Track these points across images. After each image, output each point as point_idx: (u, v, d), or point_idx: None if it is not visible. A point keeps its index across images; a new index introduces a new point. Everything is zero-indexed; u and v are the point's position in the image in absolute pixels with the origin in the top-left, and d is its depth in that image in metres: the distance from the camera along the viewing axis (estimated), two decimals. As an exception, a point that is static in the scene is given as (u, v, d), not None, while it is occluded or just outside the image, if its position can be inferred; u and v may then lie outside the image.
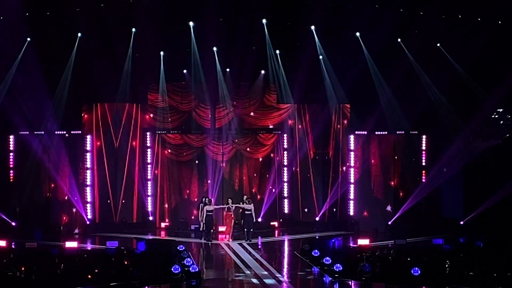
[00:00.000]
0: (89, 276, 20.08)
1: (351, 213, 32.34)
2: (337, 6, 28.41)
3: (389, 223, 31.45)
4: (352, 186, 32.39)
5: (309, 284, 21.65)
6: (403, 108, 30.85)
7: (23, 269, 20.15)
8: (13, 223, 30.61)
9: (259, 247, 28.38)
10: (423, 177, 31.83)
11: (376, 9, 28.46)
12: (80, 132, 31.75)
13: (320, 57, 31.29)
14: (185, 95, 32.76)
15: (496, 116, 31.23)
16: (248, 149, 33.55)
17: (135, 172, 32.93)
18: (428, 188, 31.45)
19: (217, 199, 31.73)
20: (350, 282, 20.81)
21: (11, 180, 31.22)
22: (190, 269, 21.13)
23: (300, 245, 26.33)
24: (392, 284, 20.35)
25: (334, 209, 32.85)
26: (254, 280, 21.33)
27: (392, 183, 31.87)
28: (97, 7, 28.30)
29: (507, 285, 19.29)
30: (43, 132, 30.86)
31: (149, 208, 33.22)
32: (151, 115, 33.00)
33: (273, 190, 33.58)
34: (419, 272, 20.10)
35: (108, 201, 32.35)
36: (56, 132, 31.01)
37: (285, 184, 33.85)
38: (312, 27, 30.25)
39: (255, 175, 33.69)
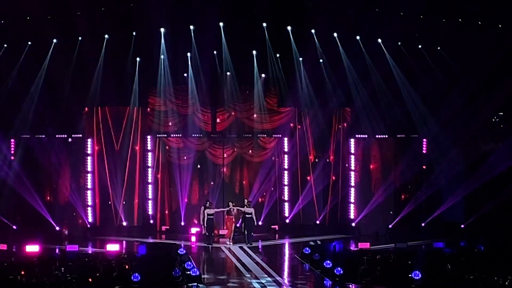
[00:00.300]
0: (90, 280, 20.08)
1: (352, 216, 32.34)
2: (337, 10, 28.42)
3: (390, 226, 31.45)
4: (352, 189, 32.41)
5: (310, 287, 21.66)
6: (403, 111, 30.87)
7: (23, 272, 20.13)
8: (14, 227, 30.58)
9: (260, 250, 28.37)
10: (424, 181, 31.85)
11: (377, 13, 28.49)
12: (81, 135, 31.75)
13: (321, 60, 31.31)
14: (185, 98, 32.75)
15: (497, 120, 31.27)
16: (249, 152, 33.54)
17: (135, 176, 32.93)
18: (429, 191, 31.49)
19: (218, 202, 31.71)
20: (350, 286, 20.82)
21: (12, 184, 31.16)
22: (191, 272, 21.16)
23: (301, 248, 26.31)
24: (393, 288, 20.39)
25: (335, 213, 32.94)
26: (255, 284, 21.33)
27: (393, 186, 31.86)
28: (97, 11, 28.32)
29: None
30: (44, 136, 30.86)
31: (150, 212, 33.20)
32: (152, 119, 32.98)
33: (274, 193, 33.57)
34: (419, 275, 20.10)
35: (109, 203, 32.35)
36: (57, 136, 31.01)
37: (286, 187, 33.84)
38: (313, 31, 30.27)
39: (255, 178, 33.66)
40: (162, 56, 31.40)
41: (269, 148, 33.60)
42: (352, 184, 32.40)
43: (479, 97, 30.01)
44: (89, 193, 31.88)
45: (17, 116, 30.16)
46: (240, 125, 33.17)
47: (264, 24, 29.82)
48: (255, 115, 33.16)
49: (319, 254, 23.95)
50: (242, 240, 29.48)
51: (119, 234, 31.37)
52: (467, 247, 25.26)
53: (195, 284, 20.83)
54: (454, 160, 30.95)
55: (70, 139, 31.29)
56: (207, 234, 29.32)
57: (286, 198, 33.83)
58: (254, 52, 31.32)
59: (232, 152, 33.32)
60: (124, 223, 32.50)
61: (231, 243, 29.26)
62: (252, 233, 29.38)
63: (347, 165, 32.66)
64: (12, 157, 30.86)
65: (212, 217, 29.31)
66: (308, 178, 33.53)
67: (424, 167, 32.00)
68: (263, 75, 32.46)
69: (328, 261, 22.28)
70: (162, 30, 29.98)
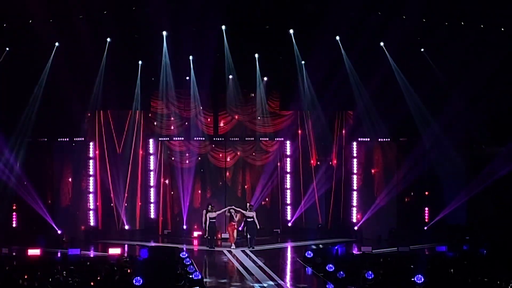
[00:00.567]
0: (92, 284, 20.05)
1: (354, 220, 32.31)
2: (339, 12, 28.40)
3: (392, 230, 31.40)
4: (355, 193, 32.38)
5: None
6: (405, 114, 30.84)
7: (26, 276, 20.12)
8: (16, 230, 30.59)
9: (261, 259, 28.32)
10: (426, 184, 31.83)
11: (379, 16, 28.46)
12: (83, 139, 31.76)
13: (323, 63, 31.24)
14: (187, 101, 32.74)
15: (499, 122, 31.19)
16: (251, 155, 33.53)
17: (138, 179, 32.93)
18: (432, 194, 31.49)
19: (220, 206, 31.65)
20: (353, 290, 20.81)
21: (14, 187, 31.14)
22: (193, 276, 21.13)
23: (303, 252, 26.27)
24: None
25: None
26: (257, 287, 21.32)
27: (395, 190, 31.82)
28: (100, 13, 28.31)
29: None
30: (46, 139, 30.86)
31: (152, 215, 33.19)
32: (154, 122, 32.97)
33: (276, 197, 33.56)
34: (422, 279, 20.05)
35: (111, 207, 32.34)
36: (59, 139, 31.01)
37: (288, 191, 33.82)
38: (315, 34, 30.22)
39: (258, 182, 33.63)
40: (164, 59, 31.37)
41: (271, 152, 33.60)
42: (355, 187, 32.39)
43: (481, 100, 29.95)
44: (91, 196, 31.88)
45: (19, 120, 30.10)
46: (243, 129, 33.21)
47: (267, 27, 29.79)
48: (257, 119, 33.15)
49: (321, 258, 23.92)
50: (245, 244, 29.43)
51: (121, 238, 31.37)
52: (470, 251, 25.22)
53: (197, 287, 20.81)
54: (457, 163, 30.88)
55: (73, 144, 31.28)
56: (209, 237, 29.31)
57: (288, 201, 33.80)
58: (256, 55, 31.30)
59: (235, 156, 33.33)
60: (126, 227, 32.52)
61: (234, 247, 29.22)
62: (255, 237, 29.34)
63: (349, 168, 32.64)
64: (14, 161, 30.81)
65: (214, 220, 29.31)
66: (311, 181, 33.49)
67: (425, 170, 31.90)
68: (265, 78, 32.45)
69: (331, 265, 22.25)
70: (164, 33, 29.95)
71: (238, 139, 33.16)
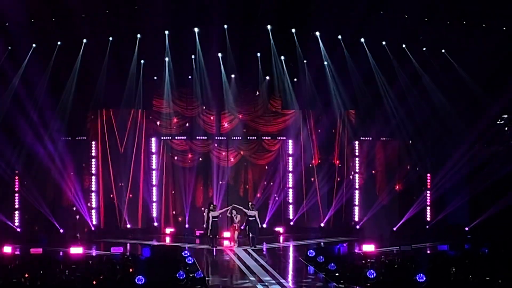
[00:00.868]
0: (94, 282, 20.08)
1: (356, 219, 32.33)
2: (341, 13, 28.42)
3: (394, 229, 31.42)
4: (357, 192, 32.41)
5: (314, 290, 21.68)
6: (408, 114, 30.86)
7: (28, 275, 20.14)
8: (18, 229, 30.60)
9: (264, 253, 28.36)
10: (428, 183, 31.80)
11: (380, 15, 28.48)
12: (85, 138, 31.80)
13: (325, 63, 31.30)
14: (190, 101, 32.77)
15: (501, 122, 31.21)
16: (253, 154, 33.54)
17: (140, 178, 32.96)
18: (433, 194, 31.48)
19: (222, 205, 31.71)
20: (355, 289, 20.83)
21: (17, 187, 31.14)
22: (195, 275, 21.15)
23: (305, 251, 26.27)
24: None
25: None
26: (259, 287, 21.31)
27: (397, 188, 31.83)
28: (102, 13, 28.34)
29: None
30: (48, 138, 30.89)
31: (154, 214, 33.21)
32: (156, 121, 33.00)
33: (278, 196, 33.56)
34: (424, 278, 20.06)
35: (113, 206, 32.38)
36: (61, 138, 31.04)
37: (290, 190, 33.83)
38: (317, 33, 30.26)
39: (260, 181, 33.66)
40: (166, 59, 31.39)
41: (273, 151, 33.61)
42: (357, 186, 32.41)
43: (483, 100, 29.96)
44: (93, 195, 31.92)
45: (22, 119, 30.12)
46: (245, 128, 33.20)
47: (269, 27, 29.80)
48: (259, 118, 33.16)
49: (323, 257, 23.93)
50: (247, 243, 29.45)
51: (123, 237, 31.40)
52: (471, 250, 25.21)
53: (199, 286, 20.83)
54: (459, 163, 30.88)
55: (72, 141, 31.33)
56: (211, 236, 29.32)
57: (290, 200, 33.81)
58: (258, 54, 31.33)
59: (237, 155, 33.35)
60: (128, 226, 32.55)
61: (236, 245, 29.23)
62: (257, 236, 29.35)
63: (351, 167, 32.65)
64: (17, 160, 30.85)
65: (216, 219, 29.31)
66: (312, 179, 33.53)
67: (428, 169, 31.90)
68: (267, 78, 32.46)
69: (333, 264, 22.27)
70: (166, 32, 29.99)
71: (240, 138, 33.18)
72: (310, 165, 33.62)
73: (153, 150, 33.23)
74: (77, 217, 31.40)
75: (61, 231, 30.83)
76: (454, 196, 30.97)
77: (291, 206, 33.82)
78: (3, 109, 29.68)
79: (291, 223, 33.67)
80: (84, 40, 29.95)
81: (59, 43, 29.74)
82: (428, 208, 31.76)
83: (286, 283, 21.99)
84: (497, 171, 29.73)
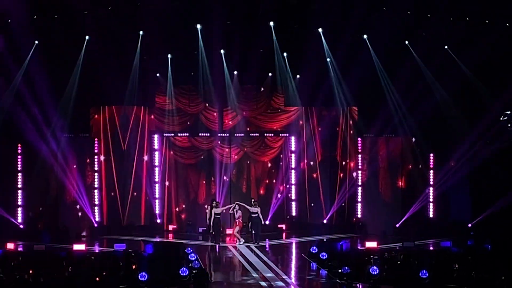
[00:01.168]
0: (97, 279, 20.11)
1: (359, 215, 32.33)
2: (344, 9, 28.39)
3: (397, 225, 31.41)
4: (359, 188, 32.39)
5: (316, 287, 21.63)
6: (410, 111, 30.83)
7: (31, 272, 20.18)
8: (21, 226, 30.63)
9: (267, 249, 28.37)
10: (431, 180, 31.79)
11: (383, 12, 28.46)
12: (88, 135, 31.82)
13: (328, 59, 31.28)
14: (192, 97, 32.78)
15: (504, 119, 31.17)
16: (256, 151, 33.55)
17: (142, 175, 32.99)
18: (436, 190, 31.49)
19: (225, 201, 31.71)
20: (358, 285, 20.80)
21: (20, 184, 31.12)
22: (198, 271, 21.17)
23: (308, 247, 26.28)
24: (400, 287, 20.32)
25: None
26: (262, 283, 21.32)
27: (400, 185, 31.82)
28: (104, 9, 28.34)
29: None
30: (51, 135, 30.89)
31: (157, 211, 33.23)
32: (159, 118, 33.00)
33: (281, 192, 33.58)
34: (427, 274, 20.07)
35: (116, 202, 32.41)
36: (64, 135, 31.05)
37: (293, 186, 33.84)
38: (320, 30, 30.23)
39: (262, 177, 33.67)
40: (169, 55, 31.38)
41: (276, 147, 33.63)
42: (359, 183, 32.40)
43: (486, 96, 29.93)
44: (96, 192, 31.95)
45: (25, 115, 30.12)
46: (247, 124, 33.21)
47: (271, 23, 29.78)
48: (262, 114, 33.16)
49: (326, 253, 23.94)
50: (249, 240, 29.46)
51: (126, 233, 31.41)
52: (474, 246, 25.20)
53: (202, 283, 20.84)
54: (461, 160, 30.87)
55: (75, 138, 31.35)
56: (213, 233, 29.33)
57: (293, 197, 33.83)
58: (261, 51, 31.31)
59: (239, 151, 33.35)
60: (131, 222, 32.53)
61: (242, 242, 29.20)
62: (259, 232, 29.36)
63: (354, 164, 32.65)
64: (20, 156, 30.87)
65: (219, 216, 29.31)
66: (314, 175, 33.54)
67: (431, 166, 31.88)
68: (270, 74, 32.45)
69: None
70: (169, 29, 29.97)
71: (243, 135, 33.18)
72: (313, 162, 33.63)
73: (156, 147, 33.26)
74: (79, 214, 31.38)
75: (64, 227, 30.80)
76: (457, 192, 30.94)
77: (293, 203, 33.84)
78: (5, 106, 29.65)
79: (294, 219, 33.69)
80: (87, 37, 29.93)
81: (61, 39, 29.71)
82: (431, 204, 31.72)
83: (288, 279, 22.01)
84: (500, 168, 29.71)
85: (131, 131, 32.62)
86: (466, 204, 31.00)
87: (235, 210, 29.83)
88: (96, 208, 31.89)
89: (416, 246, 25.82)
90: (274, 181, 33.63)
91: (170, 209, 33.47)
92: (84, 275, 20.21)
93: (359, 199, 32.39)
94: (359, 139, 32.42)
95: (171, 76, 31.90)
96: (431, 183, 31.77)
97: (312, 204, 33.51)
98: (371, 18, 28.71)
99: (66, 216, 31.12)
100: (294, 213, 33.79)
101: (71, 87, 30.47)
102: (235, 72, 31.87)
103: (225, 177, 33.09)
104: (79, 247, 24.86)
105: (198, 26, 29.92)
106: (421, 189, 31.74)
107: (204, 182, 33.35)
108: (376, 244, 25.87)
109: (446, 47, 30.38)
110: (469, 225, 30.66)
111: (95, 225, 31.71)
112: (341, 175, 33.10)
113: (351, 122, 32.90)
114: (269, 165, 33.78)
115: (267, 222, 32.02)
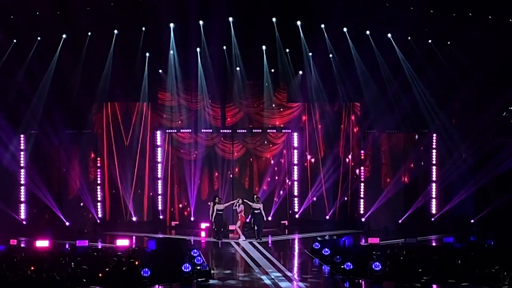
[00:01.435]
0: (100, 275, 20.12)
1: (361, 211, 32.32)
2: (348, 5, 28.36)
3: (400, 221, 31.40)
4: (362, 184, 32.38)
5: (319, 282, 21.62)
6: (412, 107, 30.83)
7: (34, 268, 20.19)
8: (24, 222, 30.66)
9: (269, 245, 28.38)
10: (434, 176, 31.79)
11: (386, 8, 28.42)
12: (90, 131, 31.83)
13: (330, 55, 31.25)
14: (195, 93, 32.75)
15: (507, 115, 31.15)
16: (258, 147, 33.53)
17: (145, 171, 33.00)
18: (439, 186, 31.50)
19: (227, 198, 31.72)
20: (360, 281, 20.80)
21: (23, 180, 31.13)
22: (200, 267, 21.18)
23: (311, 243, 26.28)
24: (403, 283, 20.30)
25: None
26: (265, 279, 21.33)
27: (403, 181, 31.80)
28: (107, 6, 28.33)
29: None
30: (53, 131, 30.90)
31: (160, 207, 33.25)
32: (161, 114, 33.00)
33: (283, 189, 33.57)
34: (429, 270, 20.06)
35: (119, 198, 32.43)
36: (66, 131, 31.06)
37: (295, 182, 33.84)
38: (322, 26, 30.20)
39: (265, 173, 33.66)
40: (171, 51, 31.36)
41: (278, 143, 33.62)
42: (362, 179, 32.37)
43: (489, 92, 29.89)
44: (98, 188, 31.97)
45: (27, 112, 30.15)
46: (250, 120, 33.21)
47: (274, 19, 29.76)
48: (264, 110, 33.15)
49: (328, 249, 23.94)
50: (252, 236, 29.46)
51: (129, 229, 31.43)
52: (477, 242, 25.19)
53: (205, 279, 20.86)
54: (464, 155, 30.86)
55: (78, 134, 31.36)
56: (216, 229, 29.34)
57: (295, 193, 33.82)
58: (263, 47, 31.31)
59: (242, 147, 33.33)
60: (134, 218, 32.60)
61: (244, 238, 29.20)
62: (262, 228, 29.35)
63: (356, 160, 32.63)
64: (22, 152, 30.88)
65: (221, 212, 29.31)
66: (317, 171, 33.50)
67: (434, 162, 31.86)
68: (272, 70, 32.42)
69: (338, 256, 22.28)
70: (171, 25, 29.97)
71: (245, 131, 33.17)
72: (315, 158, 33.61)
73: (158, 143, 33.26)
74: (83, 212, 31.41)
75: (67, 223, 30.83)
76: (459, 188, 30.92)
77: (296, 199, 33.84)
78: (8, 102, 29.67)
79: (296, 216, 33.69)
80: (89, 33, 29.92)
81: (64, 36, 29.73)
82: (434, 200, 31.71)
83: (291, 275, 22.02)
84: (502, 163, 29.70)
85: (134, 127, 32.61)
86: (469, 199, 30.95)
87: (237, 205, 29.86)
88: (99, 204, 31.94)
89: (418, 242, 25.81)
90: (276, 177, 33.61)
91: (173, 205, 33.47)
92: (87, 271, 20.21)
93: (362, 195, 32.37)
94: (362, 134, 32.38)
95: (174, 72, 31.87)
96: (434, 178, 31.76)
97: (315, 199, 33.48)
98: (374, 14, 28.63)
99: (69, 212, 31.11)
100: (296, 209, 33.77)
101: (73, 83, 30.46)
102: (237, 68, 31.84)
103: (227, 173, 33.08)
104: (81, 243, 24.85)
105: (201, 22, 29.87)
106: (423, 185, 31.72)
107: (206, 178, 33.34)
108: (379, 240, 25.86)
109: (449, 42, 30.36)
110: (472, 221, 30.68)
111: (98, 221, 31.73)
112: (344, 171, 33.06)
113: (353, 118, 32.87)
114: (272, 161, 33.75)
115: (269, 218, 31.97)
